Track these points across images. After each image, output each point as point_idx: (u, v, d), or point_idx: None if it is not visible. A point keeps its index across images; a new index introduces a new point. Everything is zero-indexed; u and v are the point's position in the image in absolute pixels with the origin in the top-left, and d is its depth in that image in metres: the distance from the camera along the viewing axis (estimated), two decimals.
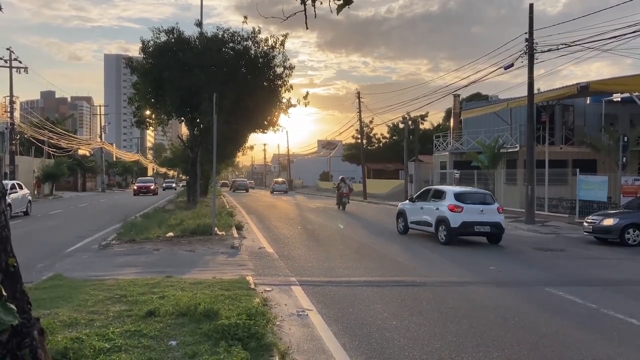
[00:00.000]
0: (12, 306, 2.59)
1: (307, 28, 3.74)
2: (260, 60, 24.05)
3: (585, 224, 17.55)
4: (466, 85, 42.57)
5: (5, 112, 44.57)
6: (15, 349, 2.64)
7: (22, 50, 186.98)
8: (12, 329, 2.62)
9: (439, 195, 17.41)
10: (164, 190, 75.69)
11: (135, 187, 57.04)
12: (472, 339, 6.61)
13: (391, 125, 62.53)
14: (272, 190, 63.52)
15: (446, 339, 6.58)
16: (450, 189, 17.81)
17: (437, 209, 16.76)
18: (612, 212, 17.90)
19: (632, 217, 16.54)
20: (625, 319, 7.77)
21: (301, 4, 3.62)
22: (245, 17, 23.32)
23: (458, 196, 16.70)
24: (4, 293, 2.58)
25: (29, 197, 27.18)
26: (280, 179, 72.25)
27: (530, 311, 8.13)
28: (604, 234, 16.67)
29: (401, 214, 19.25)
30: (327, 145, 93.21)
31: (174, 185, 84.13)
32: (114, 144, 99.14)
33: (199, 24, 25.31)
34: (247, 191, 68.40)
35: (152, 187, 55.62)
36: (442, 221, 16.39)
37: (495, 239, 16.55)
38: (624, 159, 23.10)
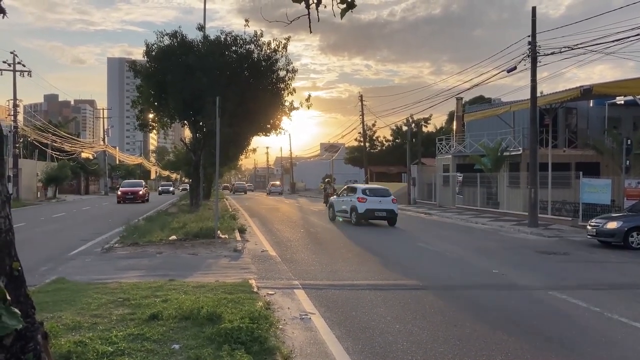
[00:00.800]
0: (16, 310, 2.59)
1: (310, 32, 3.75)
2: (263, 63, 24.10)
3: (588, 227, 17.48)
4: (469, 88, 42.58)
5: (9, 115, 44.73)
6: (19, 353, 2.64)
7: (25, 53, 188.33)
8: (16, 333, 2.62)
9: (353, 190, 23.86)
10: (160, 194, 68.20)
11: (118, 193, 44.42)
12: (476, 343, 6.59)
13: (394, 128, 62.52)
14: (269, 192, 73.05)
15: (449, 343, 6.57)
16: (360, 186, 24.37)
17: (351, 200, 23.34)
18: (616, 215, 17.83)
19: (636, 220, 16.46)
20: (629, 322, 7.74)
21: (305, 7, 3.63)
22: (247, 20, 23.38)
23: (364, 191, 23.34)
24: (8, 297, 2.59)
25: None
26: (277, 182, 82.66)
27: (533, 315, 8.11)
28: (608, 237, 16.60)
29: (331, 206, 25.91)
30: (329, 148, 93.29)
31: (171, 189, 74.77)
32: (117, 147, 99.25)
33: (202, 27, 25.38)
34: (245, 193, 78.26)
35: (140, 193, 43.75)
36: (354, 209, 22.97)
37: (391, 221, 22.92)
38: (628, 162, 23.02)
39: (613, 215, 18.07)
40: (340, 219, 24.53)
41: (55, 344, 5.16)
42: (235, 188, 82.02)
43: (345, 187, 26.21)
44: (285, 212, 32.70)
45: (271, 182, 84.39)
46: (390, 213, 22.68)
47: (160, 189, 75.03)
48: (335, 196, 26.42)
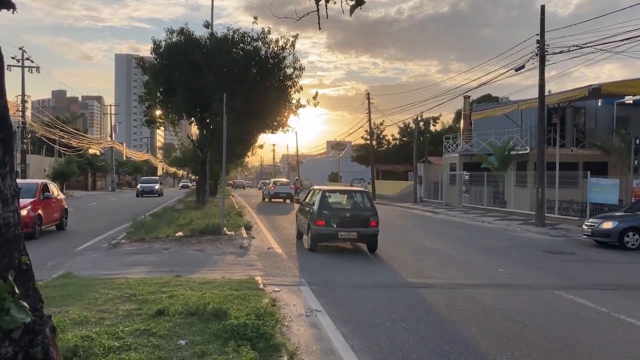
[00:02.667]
0: (25, 304, 2.61)
1: (320, 29, 3.73)
2: (271, 61, 24.10)
3: (584, 227, 17.41)
4: (476, 87, 42.39)
5: (17, 111, 44.96)
6: (28, 347, 2.65)
7: (33, 49, 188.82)
8: (24, 326, 2.64)
9: (269, 183, 44.19)
10: (139, 196, 48.00)
11: None
12: (482, 342, 6.58)
13: (402, 127, 62.46)
14: (259, 187, 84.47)
15: (455, 342, 6.56)
16: (272, 180, 46.53)
17: (268, 187, 43.06)
18: (612, 215, 17.75)
19: (631, 221, 16.34)
20: (636, 323, 7.70)
21: (315, 4, 3.61)
22: (256, 18, 23.41)
23: (274, 182, 43.41)
24: (17, 290, 2.60)
25: None
26: (267, 180, 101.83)
27: (539, 314, 8.08)
28: (603, 237, 16.49)
29: (263, 193, 45.97)
30: (336, 146, 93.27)
31: (157, 187, 50.72)
32: (124, 144, 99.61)
33: (209, 24, 25.40)
34: (244, 188, 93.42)
35: (25, 214, 14.99)
36: (268, 192, 41.81)
37: (288, 200, 40.03)
38: (636, 161, 22.89)
39: (609, 215, 17.99)
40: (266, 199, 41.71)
41: (63, 338, 5.18)
42: (235, 185, 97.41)
43: (268, 181, 50.79)
44: (291, 209, 32.69)
45: (261, 180, 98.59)
46: (288, 194, 40.97)
47: (139, 187, 51.14)
48: (264, 187, 47.27)
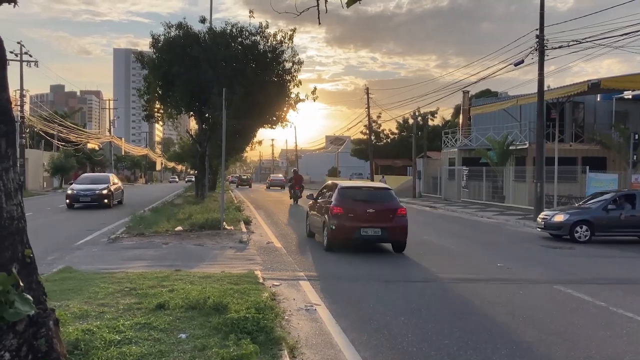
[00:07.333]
0: (29, 296, 2.62)
1: (319, 23, 3.74)
2: (269, 55, 24.07)
3: (539, 219, 17.81)
4: (476, 82, 42.09)
5: (15, 105, 44.84)
6: (32, 339, 2.66)
7: (32, 44, 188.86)
8: (28, 319, 2.65)
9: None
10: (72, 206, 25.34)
11: None
12: (480, 336, 6.61)
13: (401, 121, 62.38)
14: (261, 185, 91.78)
15: (454, 335, 6.59)
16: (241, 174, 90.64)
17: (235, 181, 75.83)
18: (563, 208, 18.29)
19: (581, 214, 16.68)
20: (634, 317, 7.73)
21: None
22: (252, 11, 23.48)
23: (238, 176, 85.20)
24: (21, 283, 2.62)
25: None
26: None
27: (538, 308, 8.11)
28: (555, 230, 16.92)
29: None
30: (335, 140, 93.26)
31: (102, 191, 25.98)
32: (123, 138, 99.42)
33: (206, 20, 25.35)
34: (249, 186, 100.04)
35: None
36: (234, 182, 73.21)
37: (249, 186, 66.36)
38: (635, 157, 22.93)
39: (561, 208, 18.60)
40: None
41: (64, 332, 5.18)
42: (230, 180, 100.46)
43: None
44: (290, 204, 32.68)
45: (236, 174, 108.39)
46: (247, 182, 66.03)
47: (70, 191, 26.49)
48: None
